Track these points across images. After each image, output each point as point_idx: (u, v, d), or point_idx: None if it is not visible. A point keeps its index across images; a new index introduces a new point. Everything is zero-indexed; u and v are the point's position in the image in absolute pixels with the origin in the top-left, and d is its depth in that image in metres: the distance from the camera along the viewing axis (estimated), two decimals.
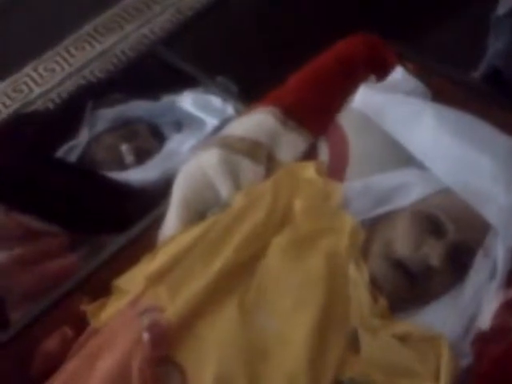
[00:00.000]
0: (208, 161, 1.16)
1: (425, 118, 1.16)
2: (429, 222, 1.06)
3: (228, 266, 1.02)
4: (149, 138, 1.57)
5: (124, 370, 0.94)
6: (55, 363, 1.03)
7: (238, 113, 1.43)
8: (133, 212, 1.24)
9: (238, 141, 1.17)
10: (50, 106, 1.56)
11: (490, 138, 1.15)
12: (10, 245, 1.29)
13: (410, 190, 1.12)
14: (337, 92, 1.24)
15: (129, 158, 1.52)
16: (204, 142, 1.28)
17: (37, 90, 1.57)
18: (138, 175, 1.46)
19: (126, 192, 1.38)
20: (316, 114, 1.22)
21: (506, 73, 1.52)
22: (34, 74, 1.59)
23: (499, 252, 1.05)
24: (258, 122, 1.20)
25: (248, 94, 1.52)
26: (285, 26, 1.72)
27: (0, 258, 1.27)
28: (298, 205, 1.10)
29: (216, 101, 1.56)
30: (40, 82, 1.58)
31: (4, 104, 1.54)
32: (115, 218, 1.29)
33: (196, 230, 1.09)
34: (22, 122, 1.51)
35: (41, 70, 1.60)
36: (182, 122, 1.60)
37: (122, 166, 1.51)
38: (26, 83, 1.58)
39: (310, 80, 1.25)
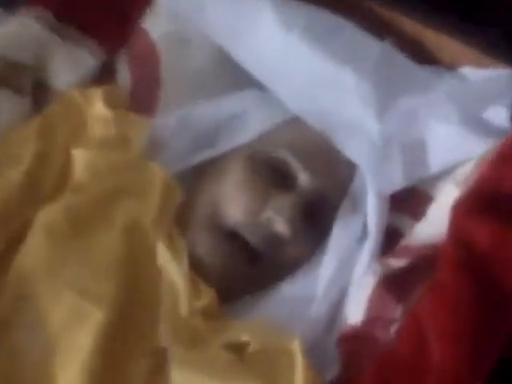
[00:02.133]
0: None
1: (262, 19, 0.88)
2: (272, 170, 0.83)
3: None
4: None
5: None
6: None
7: None
8: None
9: None
10: None
11: (353, 42, 0.91)
12: None
13: (246, 123, 0.89)
14: None
15: None
16: None
17: None
18: None
19: None
20: (108, 17, 0.91)
21: None
22: None
23: (369, 202, 0.83)
24: (15, 32, 0.86)
25: None
26: None
27: None
28: (80, 157, 0.80)
29: None
30: None
31: None
32: None
33: None
34: None
35: None
36: None
37: None
38: None
39: None
